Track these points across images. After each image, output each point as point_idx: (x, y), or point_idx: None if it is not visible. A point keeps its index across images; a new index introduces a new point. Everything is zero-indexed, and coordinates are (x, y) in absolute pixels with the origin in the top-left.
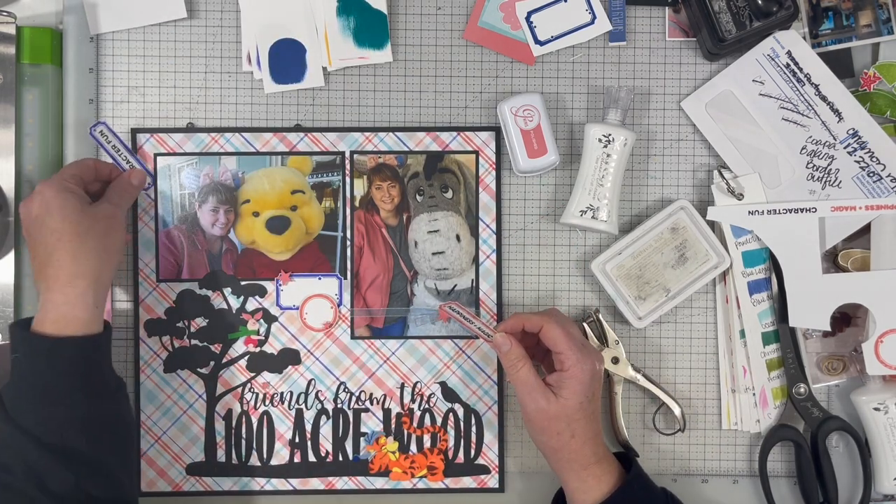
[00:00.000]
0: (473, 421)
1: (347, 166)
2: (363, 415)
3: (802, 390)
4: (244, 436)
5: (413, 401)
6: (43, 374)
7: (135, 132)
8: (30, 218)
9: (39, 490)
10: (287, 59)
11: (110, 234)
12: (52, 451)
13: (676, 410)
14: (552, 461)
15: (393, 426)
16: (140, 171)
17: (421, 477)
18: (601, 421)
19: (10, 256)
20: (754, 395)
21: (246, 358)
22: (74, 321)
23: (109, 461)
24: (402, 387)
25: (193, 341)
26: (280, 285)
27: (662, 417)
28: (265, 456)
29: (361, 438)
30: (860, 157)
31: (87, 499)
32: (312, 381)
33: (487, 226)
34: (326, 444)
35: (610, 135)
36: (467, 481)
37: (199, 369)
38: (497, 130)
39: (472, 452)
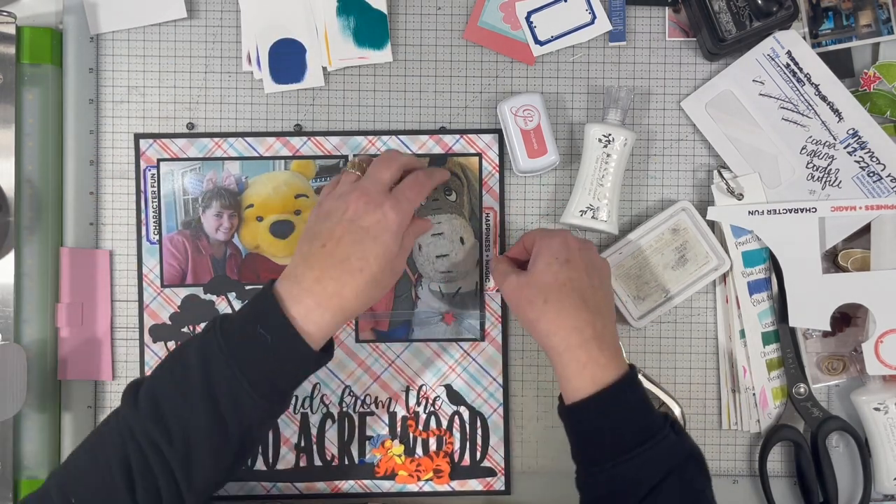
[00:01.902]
0: (479, 423)
1: None
2: (368, 418)
3: (802, 390)
4: None
5: (418, 404)
6: (283, 371)
7: (138, 137)
8: (360, 219)
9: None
10: (287, 59)
11: (387, 287)
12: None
13: (676, 410)
14: (542, 346)
15: (398, 429)
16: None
17: (427, 480)
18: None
19: (10, 256)
20: (754, 395)
21: None
22: (321, 341)
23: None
24: (408, 390)
25: None
26: None
27: None
28: (271, 460)
29: (367, 442)
30: (860, 157)
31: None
32: (317, 385)
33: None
34: (332, 448)
35: (610, 135)
36: (473, 484)
37: None
38: (500, 133)
39: (479, 455)
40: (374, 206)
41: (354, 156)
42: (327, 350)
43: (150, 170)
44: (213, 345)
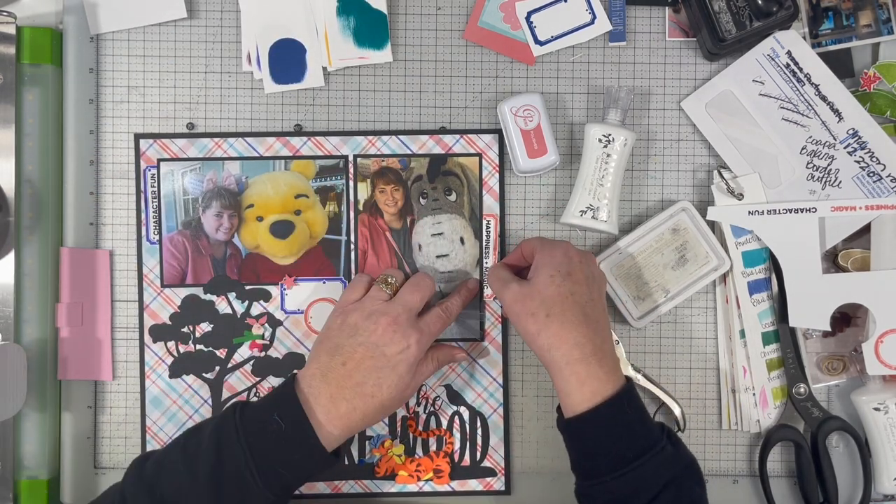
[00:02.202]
0: (479, 423)
1: (351, 170)
2: None
3: (802, 390)
4: None
5: (418, 404)
6: (291, 462)
7: (138, 137)
8: (385, 347)
9: None
10: (287, 59)
11: (391, 411)
12: None
13: (676, 410)
14: (541, 359)
15: (399, 429)
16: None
17: (427, 480)
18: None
19: (11, 256)
20: (754, 395)
21: (251, 362)
22: (327, 448)
23: None
24: None
25: (198, 346)
26: (284, 289)
27: (662, 417)
28: None
29: (367, 442)
30: (860, 157)
31: None
32: None
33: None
34: None
35: (610, 135)
36: (473, 484)
37: (204, 374)
38: (500, 133)
39: (479, 455)
40: (402, 337)
41: (386, 274)
42: (336, 455)
43: (150, 170)
44: (231, 425)
